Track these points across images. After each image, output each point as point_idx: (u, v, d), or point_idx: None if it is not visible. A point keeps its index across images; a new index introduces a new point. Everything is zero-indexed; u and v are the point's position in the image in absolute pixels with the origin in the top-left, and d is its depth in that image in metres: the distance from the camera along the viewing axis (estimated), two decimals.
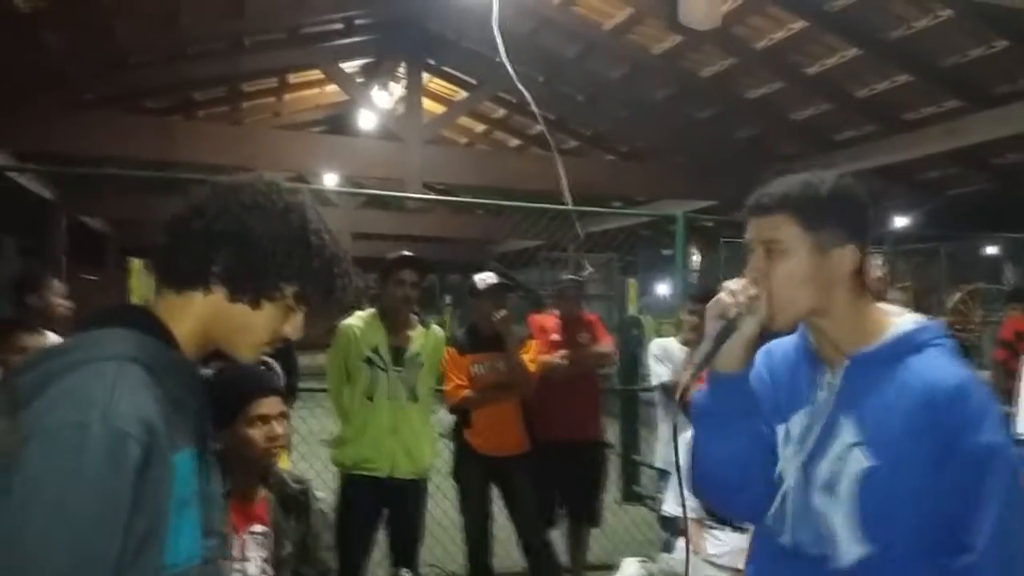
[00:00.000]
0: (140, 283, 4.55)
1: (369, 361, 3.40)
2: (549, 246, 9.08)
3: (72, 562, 0.88)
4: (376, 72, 9.19)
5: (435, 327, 3.65)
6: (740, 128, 8.19)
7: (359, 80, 9.30)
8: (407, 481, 3.38)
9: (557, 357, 4.05)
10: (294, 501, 2.07)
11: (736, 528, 2.83)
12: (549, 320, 4.32)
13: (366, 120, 9.73)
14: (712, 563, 2.79)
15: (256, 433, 1.95)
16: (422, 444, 3.43)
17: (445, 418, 4.12)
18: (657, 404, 4.20)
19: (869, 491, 1.22)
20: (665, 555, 2.97)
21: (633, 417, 6.23)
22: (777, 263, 1.25)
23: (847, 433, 1.25)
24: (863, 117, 7.23)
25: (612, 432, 4.50)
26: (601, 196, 8.90)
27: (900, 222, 9.34)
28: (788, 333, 1.40)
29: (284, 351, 3.08)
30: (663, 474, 4.07)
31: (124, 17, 6.23)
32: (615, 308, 8.33)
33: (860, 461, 1.23)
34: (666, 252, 8.54)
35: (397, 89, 9.56)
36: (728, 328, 1.25)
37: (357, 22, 8.14)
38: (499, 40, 4.80)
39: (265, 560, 1.96)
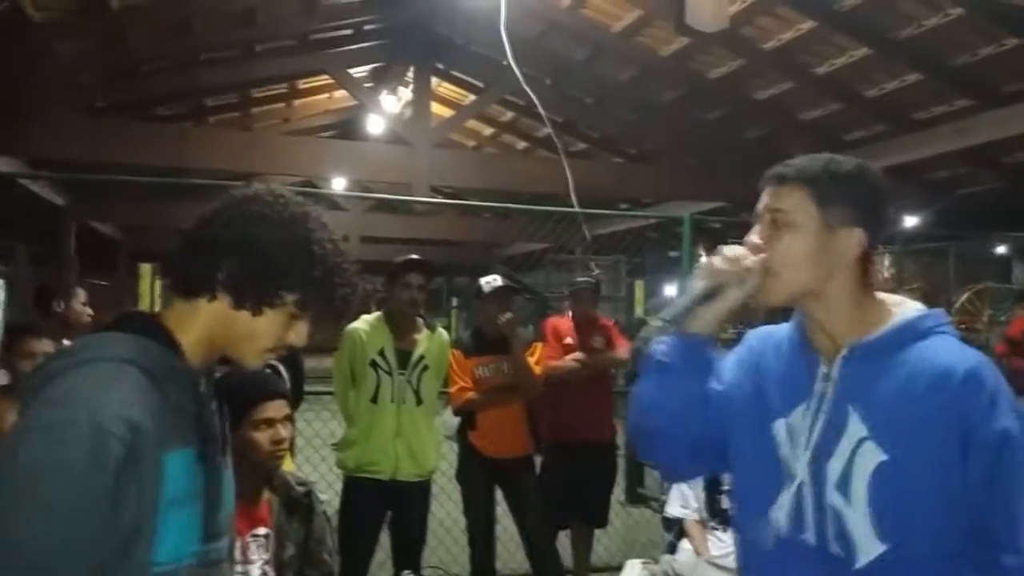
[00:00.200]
0: (150, 288, 4.59)
1: (375, 364, 3.42)
2: (556, 249, 9.08)
3: (53, 551, 0.92)
4: (385, 77, 9.24)
5: (440, 330, 3.67)
6: (749, 129, 8.17)
7: (368, 85, 9.35)
8: (411, 483, 3.39)
9: (569, 360, 4.06)
10: (297, 504, 2.08)
11: None
12: (563, 323, 4.32)
13: (375, 125, 9.77)
14: (715, 564, 2.78)
15: (261, 437, 1.96)
16: (426, 447, 3.44)
17: (450, 420, 4.13)
18: None
19: (883, 486, 1.17)
20: (668, 556, 2.97)
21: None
22: (781, 234, 1.23)
23: (854, 427, 1.20)
24: (873, 117, 7.20)
25: (616, 432, 4.51)
26: (609, 198, 8.90)
27: (910, 222, 9.28)
28: (774, 319, 1.39)
29: (290, 355, 3.09)
30: None
31: (136, 25, 6.30)
32: (622, 310, 8.31)
33: (873, 456, 1.18)
34: (673, 254, 8.52)
35: (405, 93, 9.60)
36: (711, 292, 1.23)
37: (366, 28, 8.18)
38: (506, 43, 4.82)
39: (267, 563, 1.97)
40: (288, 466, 2.49)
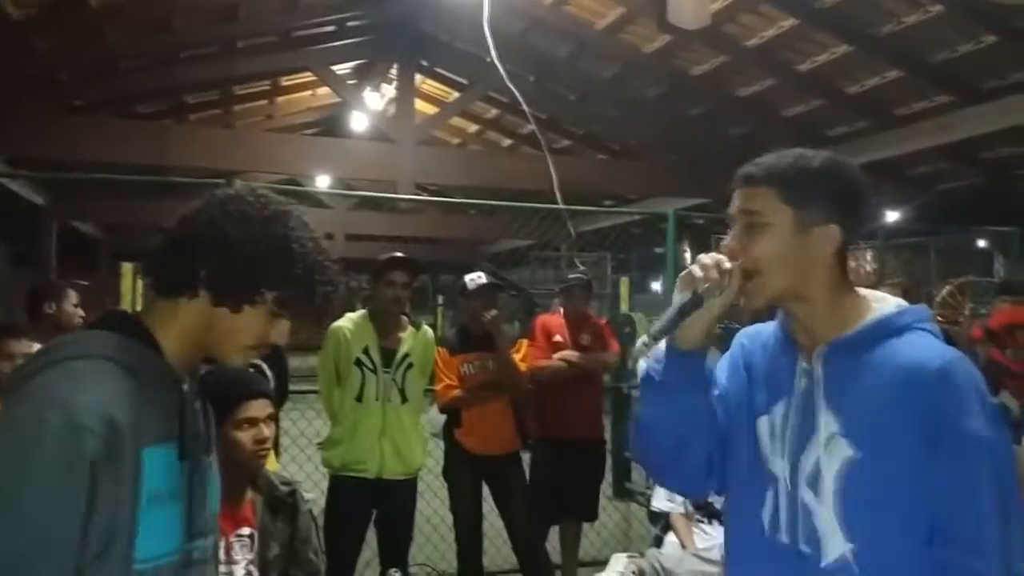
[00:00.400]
0: (132, 288, 4.55)
1: (359, 363, 3.41)
2: (541, 245, 9.08)
3: (29, 546, 0.92)
4: (368, 74, 9.19)
5: (425, 328, 3.66)
6: (732, 126, 8.21)
7: (351, 82, 9.30)
8: (397, 481, 3.39)
9: (556, 359, 4.05)
10: (282, 503, 2.08)
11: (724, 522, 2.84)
12: (554, 320, 4.32)
13: (358, 122, 9.73)
14: (700, 557, 2.80)
15: (244, 436, 1.95)
16: (412, 445, 3.44)
17: (436, 417, 4.14)
18: None
19: (851, 484, 1.16)
20: (654, 550, 2.99)
21: (625, 414, 6.25)
22: (756, 237, 1.21)
23: (828, 423, 1.20)
24: (854, 113, 7.25)
25: (604, 428, 4.54)
26: (593, 195, 8.90)
27: (891, 217, 9.36)
28: (759, 318, 1.38)
29: (274, 354, 3.08)
30: None
31: (115, 22, 6.23)
32: (607, 307, 8.33)
33: (843, 452, 1.17)
34: (659, 250, 8.55)
35: (389, 90, 9.56)
36: (693, 303, 1.20)
37: (349, 24, 8.14)
38: (490, 40, 4.81)
39: (252, 563, 1.96)
40: (272, 465, 2.48)
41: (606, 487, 4.74)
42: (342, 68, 9.02)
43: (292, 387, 3.91)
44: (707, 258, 1.23)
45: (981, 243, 8.54)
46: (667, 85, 7.70)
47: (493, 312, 3.65)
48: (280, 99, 10.44)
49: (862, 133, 7.42)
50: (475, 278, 3.76)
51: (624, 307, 6.89)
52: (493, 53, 4.86)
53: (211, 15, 6.82)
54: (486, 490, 3.79)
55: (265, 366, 3.01)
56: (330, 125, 11.43)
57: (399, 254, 3.57)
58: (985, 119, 6.20)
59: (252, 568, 1.98)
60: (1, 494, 0.93)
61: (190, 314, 1.10)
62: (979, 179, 8.26)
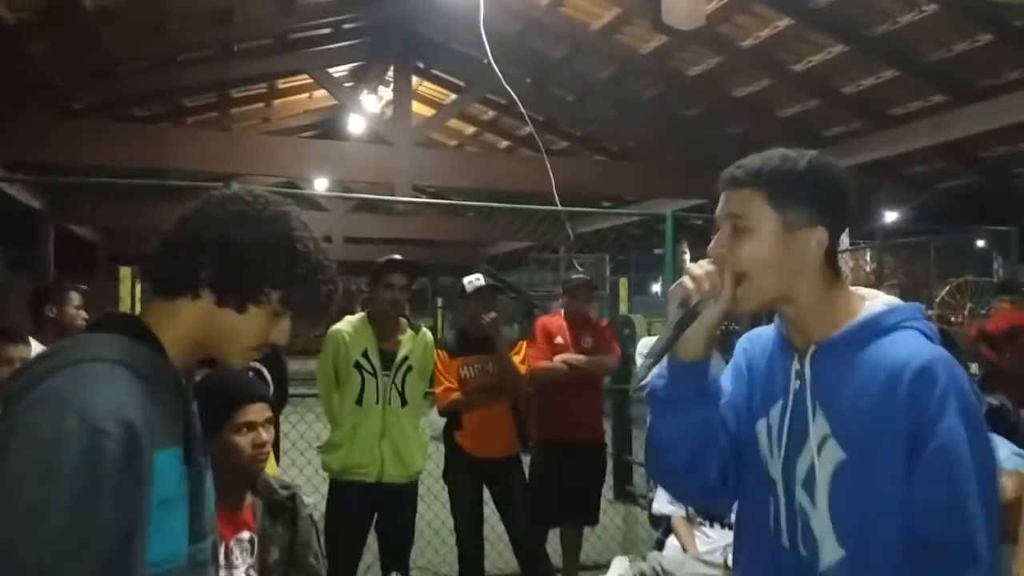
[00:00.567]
0: (130, 291, 4.55)
1: (359, 366, 3.40)
2: (539, 247, 9.08)
3: (52, 553, 0.90)
4: (365, 76, 9.19)
5: (424, 331, 3.66)
6: (728, 126, 8.21)
7: (348, 85, 9.31)
8: (397, 485, 3.38)
9: (557, 362, 4.04)
10: (281, 507, 2.07)
11: (726, 525, 2.84)
12: (554, 321, 4.31)
13: (355, 124, 9.73)
14: (702, 560, 2.80)
15: (243, 440, 1.95)
16: (412, 448, 3.43)
17: (436, 420, 4.13)
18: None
19: (841, 486, 1.15)
20: (655, 553, 2.98)
21: (625, 416, 6.25)
22: (742, 240, 1.20)
23: (820, 425, 1.19)
24: (850, 113, 7.26)
25: (605, 431, 4.53)
26: (591, 196, 8.91)
27: (889, 217, 9.38)
28: (758, 320, 1.38)
29: (273, 357, 3.08)
30: None
31: (111, 26, 6.22)
32: (606, 308, 8.33)
33: (834, 455, 1.16)
34: (658, 251, 8.55)
35: (386, 93, 9.56)
36: (689, 316, 1.20)
37: (345, 27, 8.13)
38: (486, 42, 4.81)
39: (252, 567, 1.96)
40: (271, 469, 2.47)
41: (607, 490, 4.73)
42: (339, 71, 9.02)
43: (291, 391, 3.90)
44: (697, 268, 1.21)
45: (980, 243, 8.56)
46: (664, 86, 7.70)
47: (492, 314, 3.65)
48: (277, 102, 10.43)
49: (858, 133, 7.43)
50: (474, 280, 3.76)
51: (623, 308, 6.89)
52: (490, 55, 4.86)
53: (207, 18, 6.82)
54: (487, 493, 3.79)
55: (264, 370, 3.02)
56: (327, 128, 11.43)
57: (397, 257, 3.56)
58: (981, 118, 6.21)
59: (252, 572, 1.97)
60: (22, 497, 0.91)
61: (192, 315, 1.10)
62: (977, 178, 8.28)
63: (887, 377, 1.14)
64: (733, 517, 1.43)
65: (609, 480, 5.79)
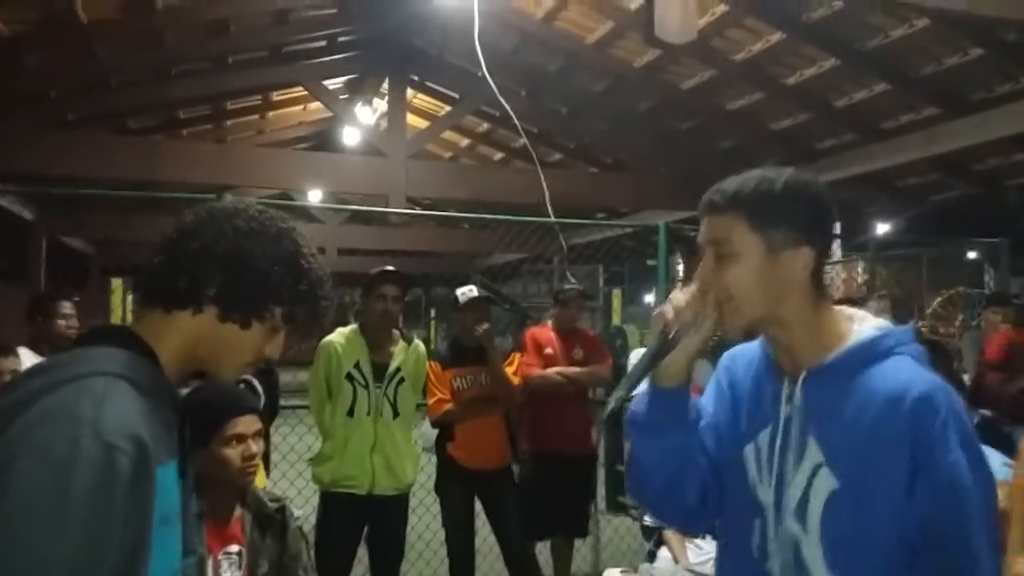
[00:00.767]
0: (121, 303, 4.53)
1: (350, 378, 3.39)
2: (533, 259, 9.09)
3: (67, 574, 0.87)
4: (359, 89, 9.22)
5: (417, 342, 3.65)
6: (721, 139, 8.26)
7: (343, 97, 9.33)
8: (389, 497, 3.37)
9: (554, 374, 4.03)
10: (270, 520, 2.06)
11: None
12: (544, 332, 4.30)
13: (350, 136, 9.74)
14: (694, 571, 2.79)
15: (232, 452, 1.94)
16: (404, 460, 3.42)
17: (428, 432, 4.12)
18: None
19: (835, 515, 1.13)
20: (647, 565, 2.97)
21: (618, 427, 6.24)
22: (726, 266, 1.18)
23: (812, 453, 1.17)
24: (842, 126, 7.30)
25: (598, 442, 4.53)
26: (585, 208, 8.93)
27: (882, 229, 9.42)
28: (748, 335, 1.36)
29: (265, 369, 3.07)
30: None
31: (106, 38, 6.24)
32: (600, 319, 8.34)
33: (827, 483, 1.15)
34: (651, 262, 8.57)
35: (381, 105, 9.58)
36: (667, 346, 1.18)
37: (340, 39, 8.17)
38: (480, 55, 4.83)
39: None
40: (261, 482, 2.46)
41: (599, 501, 4.72)
42: (333, 83, 9.04)
43: (283, 402, 3.89)
44: (679, 297, 1.20)
45: (972, 254, 8.61)
46: (657, 99, 7.74)
47: (485, 325, 3.64)
48: (272, 114, 10.45)
49: (850, 146, 7.47)
50: (467, 291, 3.76)
51: (616, 319, 6.90)
52: (484, 68, 4.88)
53: (202, 30, 6.83)
54: (479, 505, 3.77)
55: (255, 381, 3.00)
56: (322, 140, 11.45)
57: (389, 268, 3.56)
58: (972, 131, 6.25)
59: None
60: (35, 519, 0.87)
61: (190, 329, 1.09)
62: (970, 190, 8.32)
63: (884, 406, 1.12)
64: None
65: (601, 491, 5.78)
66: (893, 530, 1.11)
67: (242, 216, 1.11)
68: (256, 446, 1.99)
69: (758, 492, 1.24)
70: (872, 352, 1.18)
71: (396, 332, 3.55)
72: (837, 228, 7.95)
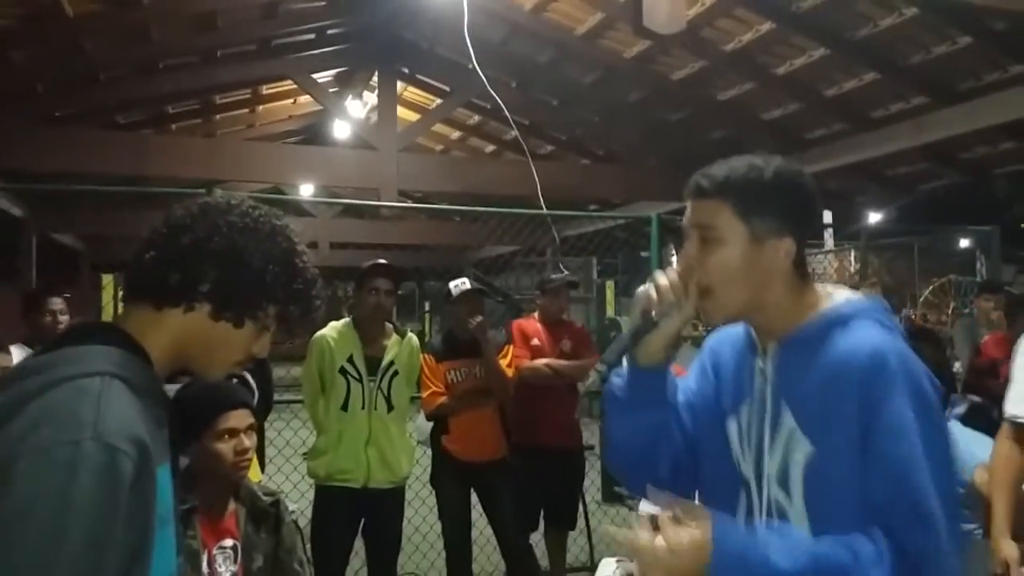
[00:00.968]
0: (112, 299, 4.52)
1: (344, 372, 3.39)
2: (526, 251, 9.10)
3: None
4: (349, 82, 9.17)
5: (411, 335, 3.65)
6: (712, 129, 8.26)
7: (332, 90, 9.27)
8: (384, 490, 3.37)
9: (542, 364, 4.03)
10: (265, 514, 2.06)
11: None
12: (530, 324, 4.30)
13: (340, 130, 9.70)
14: None
15: (224, 447, 1.94)
16: (399, 454, 3.43)
17: (423, 425, 4.12)
18: None
19: (815, 479, 1.15)
20: None
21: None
22: (710, 251, 1.20)
23: (787, 420, 1.19)
24: (832, 115, 7.31)
25: (592, 433, 4.53)
26: (577, 199, 8.93)
27: (873, 218, 9.46)
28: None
29: (258, 363, 3.06)
30: None
31: (93, 33, 6.18)
32: (593, 311, 8.35)
33: (803, 448, 1.17)
34: (644, 254, 8.59)
35: (371, 98, 9.54)
36: (644, 328, 1.21)
37: (329, 32, 8.12)
38: (470, 47, 4.82)
39: (235, 574, 1.95)
40: (254, 476, 2.46)
41: (595, 491, 4.74)
42: (323, 76, 8.99)
43: (277, 397, 3.88)
44: (662, 279, 1.22)
45: (963, 242, 8.65)
46: (648, 90, 7.73)
47: (479, 318, 3.65)
48: (261, 108, 10.38)
49: (840, 135, 7.48)
50: (460, 284, 3.76)
51: (610, 311, 6.91)
52: (474, 60, 4.87)
53: (189, 24, 6.78)
54: (474, 497, 3.78)
55: (249, 376, 3.00)
56: (312, 133, 11.39)
57: (382, 261, 3.56)
58: (962, 119, 6.27)
59: None
60: (36, 524, 0.85)
61: (180, 326, 1.07)
62: (958, 179, 8.36)
63: (840, 365, 1.15)
64: None
65: (597, 482, 5.80)
66: (858, 484, 1.12)
67: (236, 212, 1.09)
68: (249, 440, 2.00)
69: (741, 466, 1.26)
70: (838, 319, 1.20)
71: (389, 326, 3.56)
72: (829, 217, 8.01)
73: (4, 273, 10.01)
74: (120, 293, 4.55)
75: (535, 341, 4.13)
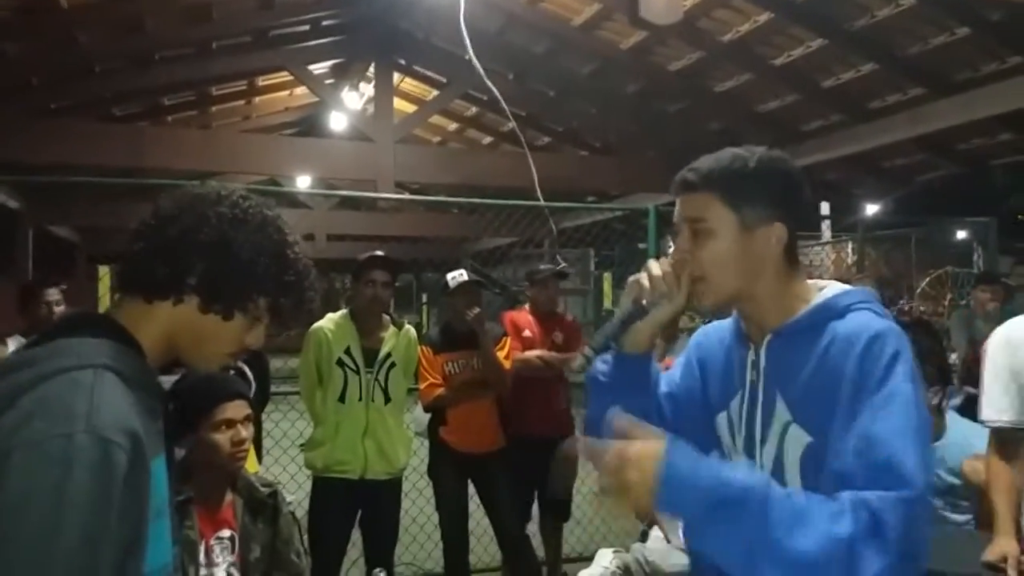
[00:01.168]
0: (109, 291, 4.52)
1: (341, 363, 3.39)
2: (523, 242, 9.10)
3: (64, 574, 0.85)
4: (346, 73, 9.15)
5: (408, 327, 3.65)
6: (709, 121, 8.25)
7: (329, 82, 9.25)
8: (381, 481, 3.38)
9: (533, 356, 4.03)
10: (262, 504, 2.06)
11: None
12: (521, 316, 4.28)
13: (337, 122, 9.68)
14: (685, 550, 2.81)
15: (221, 438, 1.94)
16: (396, 445, 3.43)
17: (420, 416, 4.12)
18: None
19: (811, 469, 1.15)
20: (639, 544, 3.00)
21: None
22: (702, 243, 1.21)
23: (781, 412, 1.20)
24: (829, 107, 7.31)
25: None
26: (574, 191, 8.92)
27: (870, 209, 9.46)
28: (723, 313, 1.39)
29: (255, 355, 3.07)
30: None
31: (88, 25, 6.16)
32: (591, 302, 8.35)
33: (799, 439, 1.17)
34: (641, 245, 8.58)
35: (367, 90, 9.52)
36: (635, 314, 1.24)
37: (325, 23, 8.09)
38: (466, 38, 4.80)
39: (233, 565, 1.95)
40: (252, 467, 2.46)
41: (592, 482, 4.73)
42: (319, 67, 8.96)
43: (274, 388, 3.89)
44: (655, 268, 1.24)
45: (960, 234, 8.66)
46: (644, 81, 7.72)
47: (476, 310, 3.64)
48: (257, 99, 10.36)
49: (837, 127, 7.48)
50: (457, 276, 3.75)
51: (607, 303, 6.91)
52: (471, 51, 4.85)
53: (185, 15, 6.75)
54: (471, 488, 3.79)
55: (246, 368, 3.00)
56: (308, 125, 11.37)
57: (379, 253, 3.55)
58: (959, 111, 6.27)
59: (233, 571, 1.97)
60: (31, 517, 0.85)
61: (170, 319, 1.06)
62: (955, 170, 8.36)
63: (839, 351, 1.14)
64: None
65: (595, 472, 5.81)
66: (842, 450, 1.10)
67: (225, 203, 1.07)
68: (245, 431, 2.00)
69: (732, 459, 1.28)
70: (832, 310, 1.21)
71: (387, 317, 3.55)
72: (826, 209, 8.00)
73: (0, 265, 9.98)
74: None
75: (527, 333, 4.12)
